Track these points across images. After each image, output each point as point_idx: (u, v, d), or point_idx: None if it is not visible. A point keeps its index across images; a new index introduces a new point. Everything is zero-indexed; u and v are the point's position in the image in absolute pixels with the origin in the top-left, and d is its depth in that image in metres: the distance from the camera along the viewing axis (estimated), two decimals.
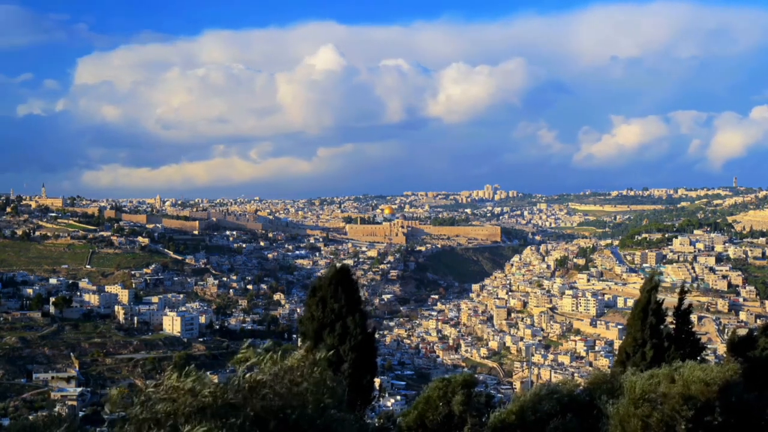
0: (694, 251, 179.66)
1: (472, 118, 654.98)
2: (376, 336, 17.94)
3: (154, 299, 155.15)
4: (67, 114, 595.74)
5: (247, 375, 9.07)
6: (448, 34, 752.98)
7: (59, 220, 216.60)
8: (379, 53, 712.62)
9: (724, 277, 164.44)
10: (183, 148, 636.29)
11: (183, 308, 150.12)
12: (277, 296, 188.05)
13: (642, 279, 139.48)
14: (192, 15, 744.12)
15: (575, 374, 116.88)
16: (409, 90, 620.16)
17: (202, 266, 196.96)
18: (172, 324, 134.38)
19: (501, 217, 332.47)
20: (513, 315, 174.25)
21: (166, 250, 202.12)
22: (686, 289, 25.12)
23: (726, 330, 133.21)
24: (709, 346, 73.13)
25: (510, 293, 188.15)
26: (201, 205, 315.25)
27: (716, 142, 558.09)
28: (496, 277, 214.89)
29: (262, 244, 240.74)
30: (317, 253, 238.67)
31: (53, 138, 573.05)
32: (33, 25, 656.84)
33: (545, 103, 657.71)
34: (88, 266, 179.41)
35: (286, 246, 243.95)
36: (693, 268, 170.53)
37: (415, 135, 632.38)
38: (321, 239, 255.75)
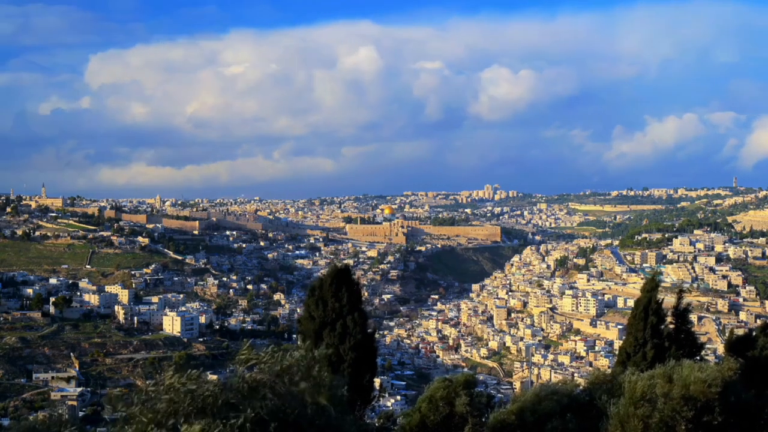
0: (694, 251, 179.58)
1: (508, 120, 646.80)
2: (376, 336, 17.93)
3: (154, 299, 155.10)
4: (90, 112, 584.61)
5: (247, 375, 9.07)
6: (487, 31, 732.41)
7: (59, 220, 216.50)
8: (415, 51, 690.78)
9: (724, 277, 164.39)
10: (214, 146, 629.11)
11: (183, 308, 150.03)
12: (277, 296, 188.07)
13: (642, 279, 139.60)
14: (218, 14, 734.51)
15: (575, 374, 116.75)
16: (447, 90, 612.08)
17: (202, 266, 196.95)
18: (172, 324, 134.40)
19: (501, 217, 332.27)
20: (513, 315, 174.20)
21: (166, 250, 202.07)
22: (684, 288, 25.13)
23: (726, 330, 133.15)
24: (709, 346, 73.10)
25: (510, 293, 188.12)
26: (201, 205, 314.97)
27: (751, 143, 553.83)
28: (496, 277, 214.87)
29: (262, 244, 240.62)
30: (317, 253, 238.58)
31: (77, 135, 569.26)
32: (87, 25, 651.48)
33: (583, 103, 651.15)
34: (88, 266, 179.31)
35: (286, 246, 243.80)
36: (693, 268, 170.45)
37: (445, 135, 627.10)
38: (321, 239, 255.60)
